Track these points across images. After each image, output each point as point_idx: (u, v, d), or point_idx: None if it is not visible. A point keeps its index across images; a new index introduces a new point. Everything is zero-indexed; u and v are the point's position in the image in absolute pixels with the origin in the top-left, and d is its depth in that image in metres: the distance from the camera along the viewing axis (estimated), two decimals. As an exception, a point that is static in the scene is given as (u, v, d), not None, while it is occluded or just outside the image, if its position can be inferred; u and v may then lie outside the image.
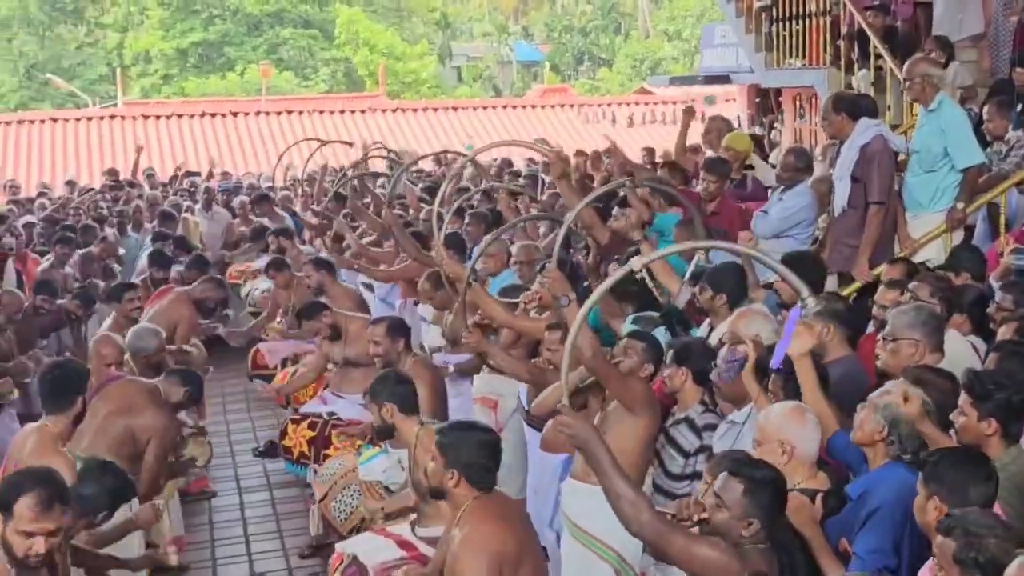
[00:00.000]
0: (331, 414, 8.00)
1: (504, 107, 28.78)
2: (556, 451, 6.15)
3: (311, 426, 7.94)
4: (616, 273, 4.15)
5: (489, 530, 4.61)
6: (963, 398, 4.43)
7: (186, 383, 7.02)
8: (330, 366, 8.61)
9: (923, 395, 4.45)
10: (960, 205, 7.35)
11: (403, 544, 5.68)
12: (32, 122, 26.45)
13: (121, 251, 12.35)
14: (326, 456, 7.60)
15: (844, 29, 11.97)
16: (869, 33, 10.91)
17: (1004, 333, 5.37)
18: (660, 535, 3.91)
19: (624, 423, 5.31)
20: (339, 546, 6.01)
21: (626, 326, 6.36)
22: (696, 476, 5.36)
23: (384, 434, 6.15)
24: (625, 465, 5.09)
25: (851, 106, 7.53)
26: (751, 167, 9.22)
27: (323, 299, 8.83)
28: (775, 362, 4.66)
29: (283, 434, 8.08)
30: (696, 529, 4.04)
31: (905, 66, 7.72)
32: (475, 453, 4.77)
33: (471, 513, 4.70)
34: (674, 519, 4.17)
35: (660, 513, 4.05)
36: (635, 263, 4.11)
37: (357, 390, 7.83)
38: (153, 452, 6.70)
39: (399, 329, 7.24)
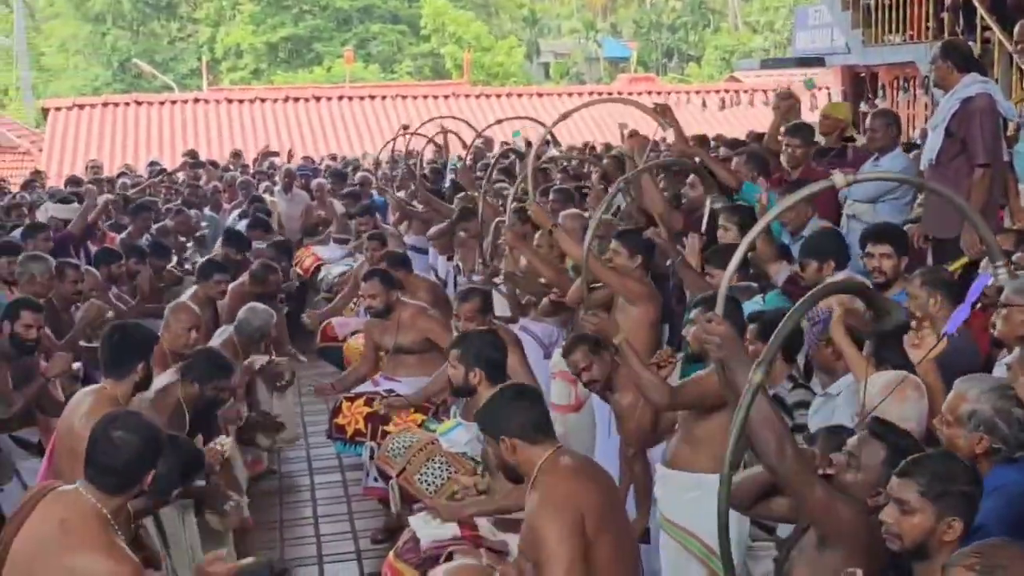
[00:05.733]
0: (389, 391, 7.69)
1: (589, 94, 28.33)
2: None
3: (368, 402, 7.61)
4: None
5: (564, 484, 4.24)
6: None
7: None
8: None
9: None
10: (1078, 178, 6.86)
11: (464, 523, 5.38)
12: (116, 105, 26.62)
13: (205, 229, 12.25)
14: (385, 432, 7.27)
15: (948, 0, 11.47)
16: (975, 3, 10.38)
17: None
18: (800, 477, 3.48)
19: None
20: (410, 520, 5.73)
21: None
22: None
23: (462, 393, 5.93)
24: None
25: (960, 57, 7.04)
26: (852, 139, 8.74)
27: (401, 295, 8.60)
28: (950, 327, 4.16)
29: (336, 412, 7.71)
30: None
31: (1017, 28, 7.23)
32: (511, 411, 4.44)
33: (544, 474, 4.31)
34: None
35: (803, 451, 3.64)
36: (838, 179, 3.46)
37: (412, 375, 7.74)
38: None
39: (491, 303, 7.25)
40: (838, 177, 3.44)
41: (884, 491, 3.39)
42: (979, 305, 5.82)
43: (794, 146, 7.76)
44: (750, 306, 5.74)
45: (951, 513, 3.25)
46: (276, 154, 18.68)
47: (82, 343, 7.64)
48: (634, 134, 8.46)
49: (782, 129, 8.12)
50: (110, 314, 7.99)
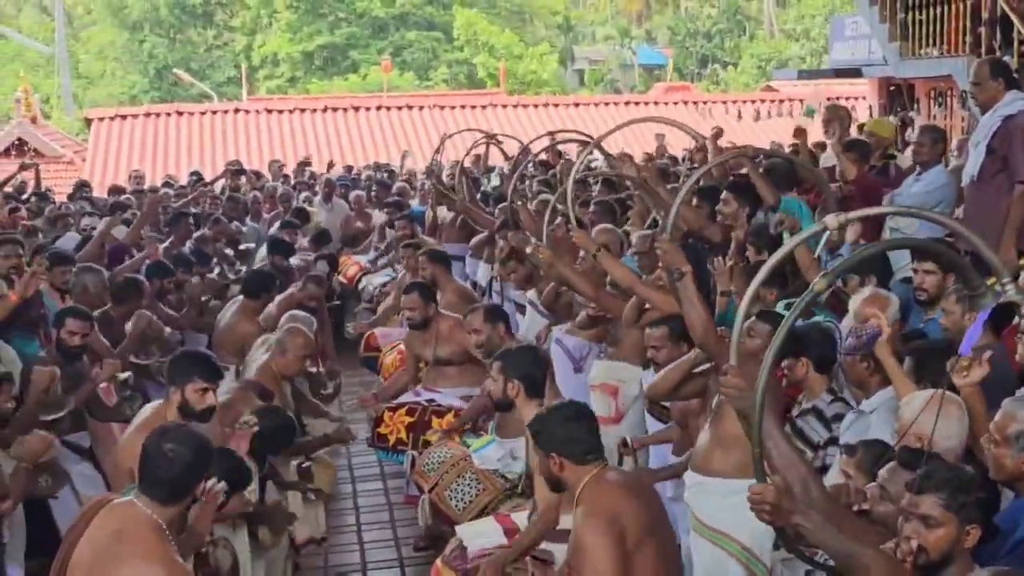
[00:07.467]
0: (430, 400, 7.81)
1: (626, 103, 28.39)
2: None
3: (409, 412, 7.73)
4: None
5: (607, 498, 4.36)
6: None
7: None
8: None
9: None
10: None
11: (510, 531, 5.47)
12: (158, 115, 26.85)
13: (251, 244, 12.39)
14: (426, 442, 7.37)
15: (986, 14, 11.46)
16: (1013, 18, 10.40)
17: None
18: (831, 516, 3.57)
19: None
20: (458, 529, 5.87)
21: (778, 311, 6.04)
22: (825, 470, 5.03)
23: (501, 406, 5.96)
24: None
25: (1010, 74, 7.05)
26: (893, 157, 8.79)
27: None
28: (964, 348, 4.22)
29: (379, 422, 7.81)
30: None
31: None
32: (565, 431, 4.51)
33: (587, 488, 4.45)
34: None
35: (828, 491, 3.75)
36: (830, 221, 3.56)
37: (452, 385, 7.84)
38: None
39: (497, 313, 7.19)
40: (830, 219, 3.55)
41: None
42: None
43: (849, 161, 7.87)
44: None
45: (971, 521, 3.41)
46: (309, 163, 18.77)
47: (132, 359, 7.80)
48: (650, 158, 8.54)
49: (831, 143, 8.18)
50: (156, 323, 8.14)
